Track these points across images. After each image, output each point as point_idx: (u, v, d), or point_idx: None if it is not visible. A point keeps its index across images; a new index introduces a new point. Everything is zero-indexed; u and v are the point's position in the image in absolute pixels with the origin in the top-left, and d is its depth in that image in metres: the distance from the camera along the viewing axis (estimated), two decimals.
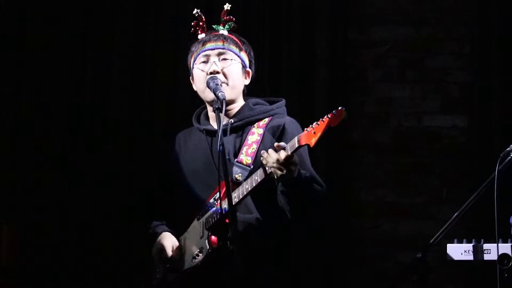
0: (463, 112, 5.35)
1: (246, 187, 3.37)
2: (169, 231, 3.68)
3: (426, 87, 5.41)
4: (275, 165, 3.23)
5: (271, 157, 3.24)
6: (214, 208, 3.46)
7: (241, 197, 3.38)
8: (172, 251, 3.59)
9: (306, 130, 3.18)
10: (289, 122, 3.59)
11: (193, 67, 3.65)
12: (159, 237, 3.65)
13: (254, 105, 3.65)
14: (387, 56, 5.45)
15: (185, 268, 3.53)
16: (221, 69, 3.56)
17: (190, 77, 3.70)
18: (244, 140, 3.53)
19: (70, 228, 5.25)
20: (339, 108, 3.15)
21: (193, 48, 3.67)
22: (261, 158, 3.29)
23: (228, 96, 3.49)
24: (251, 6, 5.35)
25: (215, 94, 3.41)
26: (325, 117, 3.15)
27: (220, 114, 3.33)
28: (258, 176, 3.34)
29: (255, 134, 3.55)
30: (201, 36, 3.66)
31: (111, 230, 5.19)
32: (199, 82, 3.60)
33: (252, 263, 3.37)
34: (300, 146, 3.19)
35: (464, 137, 5.32)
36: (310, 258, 5.17)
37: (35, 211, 5.25)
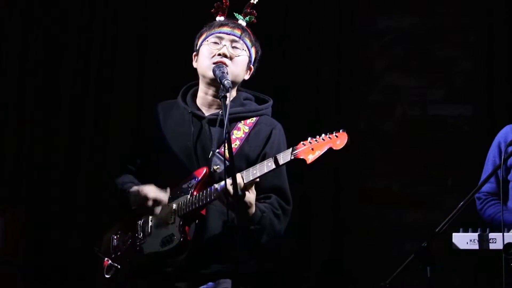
0: (468, 101, 5.35)
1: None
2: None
3: (432, 77, 5.41)
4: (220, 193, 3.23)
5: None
6: (189, 196, 3.41)
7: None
8: (158, 194, 3.44)
9: (303, 144, 3.14)
10: (277, 129, 3.57)
11: (201, 44, 3.64)
12: (139, 187, 3.48)
13: (244, 99, 3.65)
14: (392, 45, 5.45)
15: (155, 251, 3.43)
16: (229, 55, 3.56)
17: (193, 54, 3.68)
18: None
19: (75, 217, 5.28)
20: (341, 130, 3.11)
21: (206, 27, 3.65)
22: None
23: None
24: None
25: (221, 82, 3.40)
26: (326, 136, 3.11)
27: (226, 102, 3.33)
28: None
29: (241, 130, 3.54)
30: (220, 18, 3.66)
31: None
32: (203, 58, 3.58)
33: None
34: (293, 160, 3.15)
35: (469, 126, 5.32)
36: (314, 248, 5.20)
37: (39, 199, 5.27)
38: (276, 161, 3.19)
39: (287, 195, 3.48)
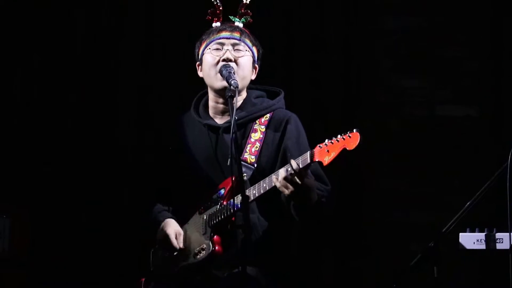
0: (475, 101, 5.34)
1: (253, 192, 3.37)
2: (172, 218, 3.66)
3: (438, 77, 5.40)
4: (281, 183, 3.26)
5: (280, 175, 3.27)
6: (218, 206, 3.46)
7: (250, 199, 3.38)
8: (176, 239, 3.57)
9: (319, 146, 3.18)
10: (291, 119, 3.61)
11: (203, 53, 3.65)
12: (163, 224, 3.63)
13: (255, 98, 3.66)
14: (399, 45, 5.44)
15: (187, 263, 3.53)
16: (234, 58, 3.57)
17: (197, 63, 3.70)
18: (247, 138, 3.55)
19: (83, 216, 5.29)
20: (354, 130, 3.14)
21: (205, 36, 3.68)
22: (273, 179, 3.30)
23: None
24: None
25: (228, 82, 3.43)
26: (340, 137, 3.15)
27: (233, 102, 3.35)
28: (266, 184, 3.35)
29: (258, 131, 3.57)
30: (216, 24, 3.67)
31: (124, 221, 5.23)
32: (208, 67, 3.61)
33: (256, 260, 3.44)
34: (312, 163, 3.20)
35: (476, 127, 5.31)
36: (319, 247, 5.21)
37: (48, 198, 5.29)
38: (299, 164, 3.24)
39: (324, 177, 3.53)
